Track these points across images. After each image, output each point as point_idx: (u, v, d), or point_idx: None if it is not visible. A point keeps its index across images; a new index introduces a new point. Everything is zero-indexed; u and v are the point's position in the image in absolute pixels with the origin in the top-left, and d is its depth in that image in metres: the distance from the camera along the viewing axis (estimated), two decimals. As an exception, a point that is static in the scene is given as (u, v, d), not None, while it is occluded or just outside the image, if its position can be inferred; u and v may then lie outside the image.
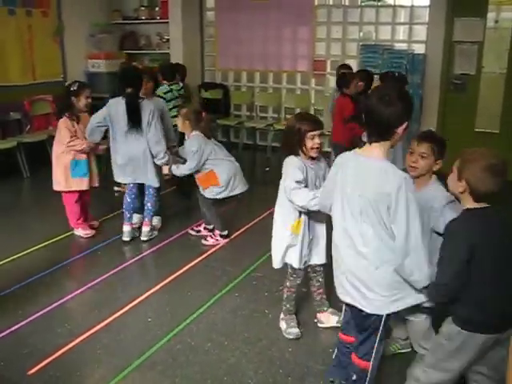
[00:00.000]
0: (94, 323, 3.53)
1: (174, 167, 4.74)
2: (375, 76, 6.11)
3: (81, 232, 4.98)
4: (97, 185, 4.98)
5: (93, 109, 4.84)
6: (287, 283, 3.42)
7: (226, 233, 4.96)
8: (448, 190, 2.49)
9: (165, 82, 6.18)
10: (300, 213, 3.17)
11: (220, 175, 4.72)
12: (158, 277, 4.21)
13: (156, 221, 5.18)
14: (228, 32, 8.56)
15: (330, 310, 3.52)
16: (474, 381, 2.49)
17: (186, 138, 4.78)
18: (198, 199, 4.94)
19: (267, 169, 7.64)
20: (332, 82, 7.55)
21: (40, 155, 7.09)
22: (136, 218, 5.09)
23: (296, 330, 3.40)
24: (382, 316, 2.39)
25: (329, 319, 3.49)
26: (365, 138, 4.55)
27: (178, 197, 5.94)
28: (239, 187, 4.86)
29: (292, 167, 3.11)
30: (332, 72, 7.69)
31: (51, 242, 4.85)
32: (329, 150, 6.57)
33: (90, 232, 5.00)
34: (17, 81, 7.34)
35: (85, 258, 4.59)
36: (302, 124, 3.05)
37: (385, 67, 7.09)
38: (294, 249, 3.23)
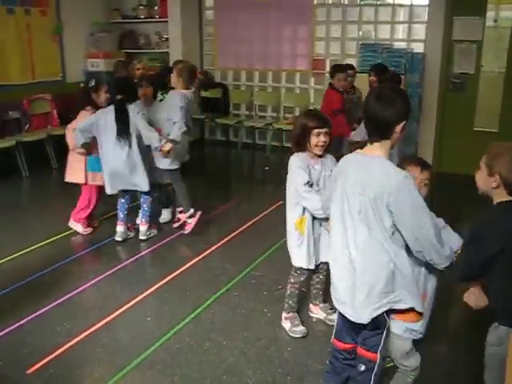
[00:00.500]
0: (93, 322, 3.54)
1: (172, 136, 4.63)
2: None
3: (80, 228, 5.01)
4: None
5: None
6: (291, 279, 3.42)
7: (191, 211, 4.94)
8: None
9: None
10: (304, 210, 3.21)
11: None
12: (157, 276, 4.21)
13: (166, 214, 5.29)
14: (227, 31, 8.56)
15: (322, 305, 3.56)
16: None
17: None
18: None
19: (266, 168, 7.64)
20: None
21: (39, 154, 7.11)
22: (166, 212, 5.29)
23: (301, 328, 3.41)
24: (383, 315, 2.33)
25: (319, 312, 3.56)
26: (356, 138, 4.59)
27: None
28: (185, 156, 4.99)
29: (296, 168, 3.16)
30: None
31: (50, 242, 4.85)
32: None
33: (88, 229, 5.03)
34: (16, 80, 7.34)
35: (84, 257, 4.60)
36: (308, 120, 3.09)
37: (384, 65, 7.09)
38: (301, 249, 3.25)
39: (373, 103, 2.24)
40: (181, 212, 5.10)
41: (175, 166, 4.88)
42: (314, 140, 3.08)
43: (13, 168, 6.84)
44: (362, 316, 2.31)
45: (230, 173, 7.75)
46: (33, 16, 7.51)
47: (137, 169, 4.63)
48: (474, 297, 2.40)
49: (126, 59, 8.53)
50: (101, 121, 4.55)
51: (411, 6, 7.26)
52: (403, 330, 2.39)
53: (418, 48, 7.22)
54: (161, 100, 5.53)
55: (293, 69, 8.28)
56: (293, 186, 3.22)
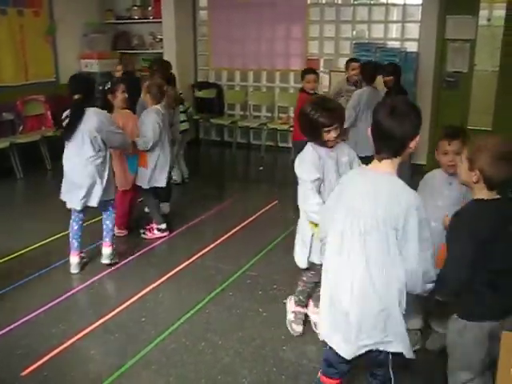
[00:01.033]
0: (88, 323, 3.53)
1: (139, 141, 4.63)
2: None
3: (115, 230, 4.83)
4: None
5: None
6: (304, 278, 3.37)
7: (163, 226, 4.98)
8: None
9: None
10: None
11: (149, 158, 4.75)
12: (152, 276, 4.20)
13: (165, 207, 5.30)
14: (221, 31, 8.56)
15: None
16: None
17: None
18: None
19: (261, 168, 7.64)
20: (325, 80, 7.58)
21: (33, 156, 7.09)
22: (164, 206, 5.28)
23: (299, 328, 3.40)
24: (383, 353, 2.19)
25: (314, 312, 3.47)
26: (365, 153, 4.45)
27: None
28: (160, 181, 4.86)
29: (307, 163, 2.99)
30: (325, 70, 7.71)
31: (45, 243, 4.83)
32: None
33: (123, 231, 5.03)
34: (9, 81, 7.32)
35: (78, 259, 4.57)
36: (318, 116, 2.87)
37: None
38: (316, 246, 3.08)
39: (385, 118, 2.06)
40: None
41: (144, 186, 4.84)
42: (325, 136, 2.93)
43: (7, 170, 6.81)
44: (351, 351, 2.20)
45: (224, 173, 7.74)
46: (26, 17, 7.49)
47: (90, 181, 4.16)
48: None
49: (121, 60, 8.56)
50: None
51: (404, 5, 7.28)
52: None
53: (412, 47, 7.24)
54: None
55: (287, 68, 8.28)
56: (303, 182, 3.00)
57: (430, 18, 6.97)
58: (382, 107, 2.12)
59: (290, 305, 3.52)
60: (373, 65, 6.11)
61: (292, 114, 8.24)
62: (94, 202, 4.20)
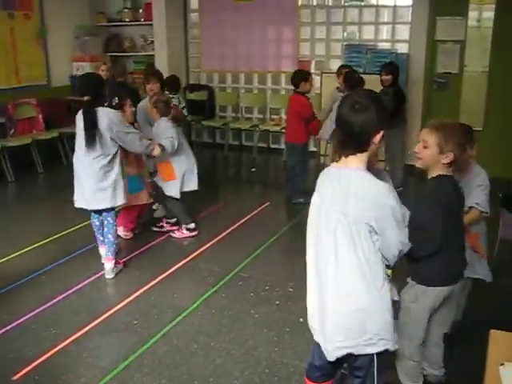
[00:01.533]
0: (79, 326, 3.52)
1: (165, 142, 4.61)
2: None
3: (121, 231, 4.92)
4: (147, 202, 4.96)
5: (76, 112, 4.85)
6: None
7: (192, 226, 5.03)
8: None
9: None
10: None
11: (176, 169, 4.83)
12: (144, 279, 4.20)
13: (160, 209, 5.36)
14: (212, 33, 8.56)
15: None
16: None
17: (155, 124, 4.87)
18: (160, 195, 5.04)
19: (253, 169, 7.65)
20: (317, 81, 7.58)
21: (25, 159, 7.07)
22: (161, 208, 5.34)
23: None
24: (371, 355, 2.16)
25: None
26: (325, 136, 4.48)
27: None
28: (191, 185, 4.96)
29: None
30: (317, 72, 7.73)
31: (36, 247, 4.82)
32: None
33: (128, 234, 5.04)
34: (0, 84, 7.29)
35: (69, 262, 4.54)
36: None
37: (369, 67, 7.14)
38: None
39: (346, 113, 2.03)
40: (167, 223, 5.19)
41: (170, 194, 4.91)
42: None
43: (-2, 173, 6.80)
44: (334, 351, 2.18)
45: (217, 175, 7.74)
46: (16, 20, 7.47)
47: (101, 185, 4.11)
48: None
49: (112, 63, 8.55)
50: (78, 124, 4.15)
51: (395, 6, 7.32)
52: None
53: (402, 48, 7.27)
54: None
55: (278, 70, 8.30)
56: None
57: (420, 19, 7.00)
58: (345, 102, 2.09)
59: None
60: (354, 72, 6.09)
61: (284, 116, 8.28)
62: (93, 205, 4.18)
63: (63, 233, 5.11)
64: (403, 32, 7.31)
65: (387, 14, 7.44)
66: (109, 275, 4.26)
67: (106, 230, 4.29)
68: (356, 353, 2.14)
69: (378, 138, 2.04)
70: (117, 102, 4.50)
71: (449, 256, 2.54)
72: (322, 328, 2.19)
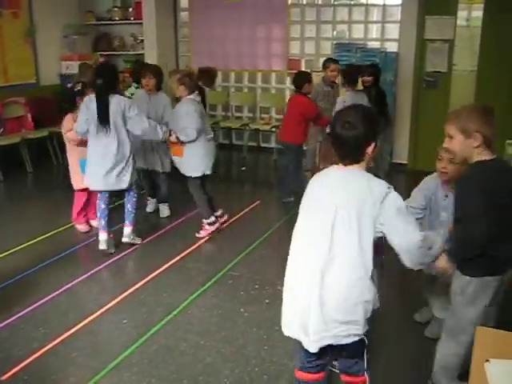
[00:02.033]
0: (69, 326, 3.51)
1: (181, 136, 4.66)
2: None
3: (78, 227, 5.14)
4: None
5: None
6: None
7: (212, 219, 4.99)
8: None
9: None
10: None
11: (192, 148, 4.74)
12: (134, 278, 4.20)
13: (165, 207, 5.43)
14: (202, 32, 8.55)
15: None
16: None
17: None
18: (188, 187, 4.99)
19: (243, 168, 7.65)
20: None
21: (14, 159, 7.03)
22: (151, 202, 5.40)
23: None
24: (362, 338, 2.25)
25: None
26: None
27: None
28: (209, 169, 4.90)
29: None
30: (306, 70, 7.72)
31: (25, 246, 4.79)
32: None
33: (85, 228, 5.15)
34: (-12, 83, 7.26)
35: (58, 262, 4.52)
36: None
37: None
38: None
39: (339, 131, 2.22)
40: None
41: (195, 174, 4.86)
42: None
43: (-14, 172, 6.75)
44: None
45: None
46: (4, 18, 7.41)
47: (119, 165, 4.44)
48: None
49: (103, 60, 8.51)
50: (90, 107, 4.38)
51: (384, 5, 7.35)
52: None
53: (392, 47, 7.30)
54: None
55: (268, 69, 8.30)
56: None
57: (409, 18, 7.03)
58: (336, 121, 2.28)
59: None
60: (356, 67, 6.16)
61: (274, 115, 8.29)
62: (110, 186, 4.50)
63: (52, 232, 5.09)
64: (393, 31, 7.33)
65: (377, 13, 7.47)
66: (124, 239, 4.75)
67: (126, 200, 4.71)
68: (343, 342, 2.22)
69: (370, 149, 2.22)
70: (79, 88, 4.80)
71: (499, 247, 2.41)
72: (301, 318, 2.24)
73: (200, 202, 4.97)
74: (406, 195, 2.55)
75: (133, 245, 4.78)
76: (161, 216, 5.47)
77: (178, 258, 4.56)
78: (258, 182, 7.25)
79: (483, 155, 2.41)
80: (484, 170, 2.39)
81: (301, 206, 2.36)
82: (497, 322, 2.80)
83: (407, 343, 3.34)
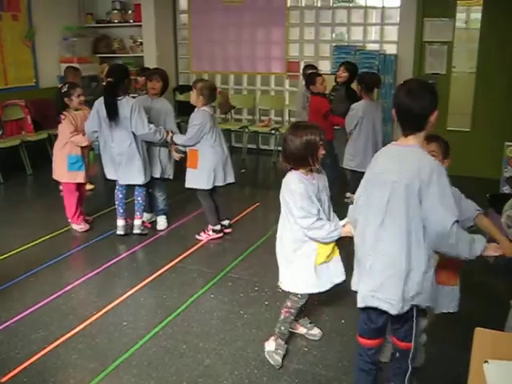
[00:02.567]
0: (68, 328, 3.51)
1: (175, 136, 4.91)
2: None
3: (76, 227, 5.19)
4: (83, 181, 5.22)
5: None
6: (288, 303, 3.15)
7: (218, 227, 5.01)
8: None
9: None
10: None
11: (201, 160, 4.76)
12: (134, 280, 4.20)
13: (162, 219, 5.34)
14: (201, 34, 8.57)
15: (302, 320, 3.46)
16: None
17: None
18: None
19: (243, 170, 7.65)
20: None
21: (13, 161, 7.03)
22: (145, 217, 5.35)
23: (279, 360, 3.13)
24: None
25: (297, 328, 3.44)
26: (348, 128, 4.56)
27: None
28: (227, 178, 4.93)
29: (299, 195, 2.89)
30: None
31: (24, 249, 4.79)
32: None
33: (84, 227, 5.21)
34: (-12, 86, 7.27)
35: (58, 264, 4.52)
36: (315, 135, 2.87)
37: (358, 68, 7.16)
38: (313, 274, 3.02)
39: (404, 98, 2.31)
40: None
41: (194, 187, 4.92)
42: (320, 153, 2.89)
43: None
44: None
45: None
46: (4, 20, 7.43)
47: (131, 161, 4.76)
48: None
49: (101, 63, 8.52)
50: (99, 107, 4.68)
51: (383, 8, 7.37)
52: None
53: (391, 49, 7.33)
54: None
55: (267, 71, 8.32)
56: (300, 220, 2.93)
57: (408, 20, 7.06)
58: (399, 89, 2.39)
59: (272, 339, 3.23)
60: (371, 75, 5.93)
61: (273, 117, 8.31)
62: (123, 180, 4.88)
63: (52, 235, 5.09)
64: (391, 33, 7.36)
65: (375, 15, 7.49)
66: (135, 230, 5.04)
67: (136, 193, 4.99)
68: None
69: (433, 117, 2.33)
70: (65, 90, 4.95)
71: None
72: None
73: (207, 210, 4.99)
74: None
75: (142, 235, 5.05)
76: (157, 228, 5.24)
77: (178, 260, 4.56)
78: (258, 185, 7.26)
79: None
80: None
81: (362, 181, 2.53)
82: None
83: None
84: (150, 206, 5.39)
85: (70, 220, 5.22)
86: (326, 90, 5.92)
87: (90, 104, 5.03)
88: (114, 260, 4.58)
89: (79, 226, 5.19)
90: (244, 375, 3.05)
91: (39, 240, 4.96)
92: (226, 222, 5.14)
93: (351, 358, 3.00)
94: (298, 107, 6.49)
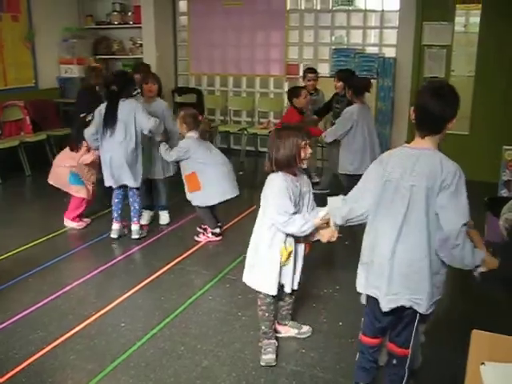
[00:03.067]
0: (67, 329, 3.51)
1: (162, 148, 4.91)
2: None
3: (74, 224, 5.26)
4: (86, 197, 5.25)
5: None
6: (258, 301, 3.22)
7: (217, 231, 5.04)
8: None
9: None
10: (286, 236, 3.04)
11: (202, 180, 4.82)
12: (132, 281, 4.20)
13: (146, 215, 5.38)
14: (201, 36, 8.58)
15: (291, 323, 3.46)
16: None
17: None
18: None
19: (241, 173, 7.65)
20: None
21: (12, 162, 7.03)
22: (146, 213, 5.37)
23: (271, 357, 3.15)
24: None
25: (288, 331, 3.43)
26: (327, 139, 4.66)
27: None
28: (229, 192, 4.98)
29: (280, 195, 2.94)
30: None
31: (22, 249, 4.80)
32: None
33: (82, 223, 5.30)
34: (-13, 87, 7.27)
35: (56, 265, 4.53)
36: (298, 137, 2.91)
37: (357, 71, 7.17)
38: (272, 276, 3.08)
39: (430, 100, 2.29)
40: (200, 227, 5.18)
41: (197, 204, 5.00)
42: (303, 154, 2.93)
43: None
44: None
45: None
46: (4, 21, 7.44)
47: (128, 165, 4.79)
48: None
49: (100, 64, 8.52)
50: (102, 113, 4.74)
51: (382, 11, 7.39)
52: None
53: (390, 53, 7.34)
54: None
55: (267, 74, 8.33)
56: (275, 216, 3.00)
57: (407, 24, 7.08)
58: (426, 90, 2.38)
59: (259, 345, 3.27)
60: (362, 79, 5.93)
61: (272, 119, 8.32)
62: (120, 181, 4.87)
63: (50, 235, 5.09)
64: (391, 36, 7.38)
65: (375, 19, 7.51)
66: (134, 235, 5.01)
67: (131, 200, 4.99)
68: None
69: (451, 124, 2.31)
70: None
71: None
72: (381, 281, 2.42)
73: (205, 217, 5.03)
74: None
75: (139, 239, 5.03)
76: (160, 223, 5.42)
77: (176, 261, 4.57)
78: (256, 187, 7.21)
79: None
80: None
81: (362, 182, 2.55)
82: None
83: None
84: (152, 203, 5.49)
85: (65, 218, 5.25)
86: (307, 105, 5.95)
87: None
88: (113, 261, 4.58)
89: (77, 224, 5.24)
90: (242, 377, 3.06)
91: (38, 241, 4.96)
92: (216, 230, 5.13)
93: (349, 360, 3.01)
94: None
